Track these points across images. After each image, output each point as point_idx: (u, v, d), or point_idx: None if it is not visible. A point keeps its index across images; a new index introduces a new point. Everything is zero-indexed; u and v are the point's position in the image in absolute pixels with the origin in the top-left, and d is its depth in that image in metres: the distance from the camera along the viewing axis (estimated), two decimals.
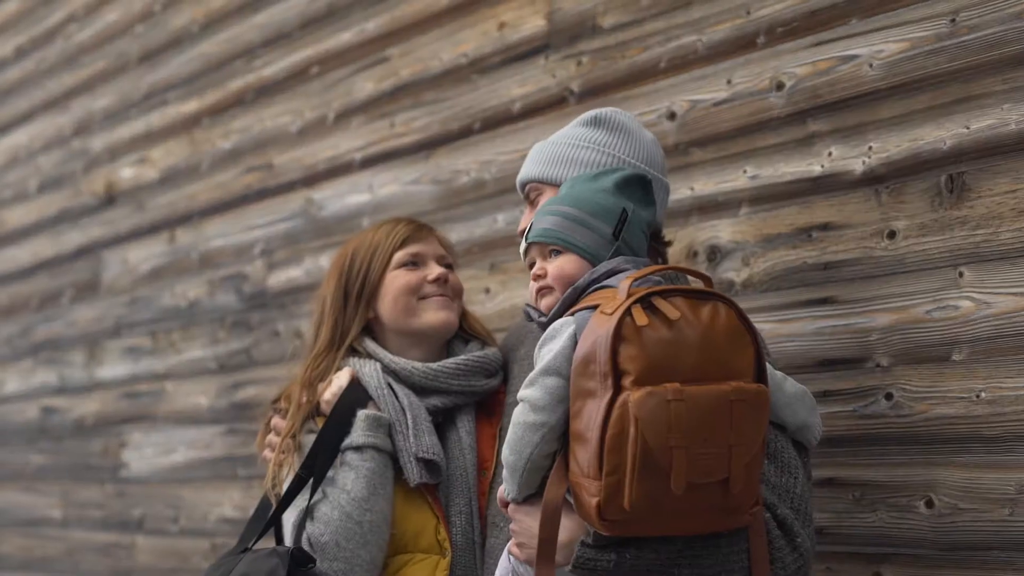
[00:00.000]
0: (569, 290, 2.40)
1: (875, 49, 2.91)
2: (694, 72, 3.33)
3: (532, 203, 2.79)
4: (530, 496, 2.38)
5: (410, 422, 2.82)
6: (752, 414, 2.17)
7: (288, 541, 2.80)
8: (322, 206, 4.54)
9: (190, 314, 5.16)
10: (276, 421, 2.97)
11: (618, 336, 2.15)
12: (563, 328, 2.31)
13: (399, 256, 2.98)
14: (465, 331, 3.05)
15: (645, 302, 2.19)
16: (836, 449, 2.87)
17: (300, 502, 2.79)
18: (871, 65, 2.91)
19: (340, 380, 2.89)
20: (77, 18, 6.20)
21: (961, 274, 2.71)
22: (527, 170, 2.79)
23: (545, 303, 2.47)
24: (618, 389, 2.15)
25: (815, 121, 3.02)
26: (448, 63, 4.08)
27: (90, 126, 6.00)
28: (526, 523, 2.39)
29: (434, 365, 2.91)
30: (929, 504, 2.73)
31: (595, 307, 2.28)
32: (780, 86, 3.10)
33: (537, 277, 2.48)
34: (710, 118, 3.27)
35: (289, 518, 2.82)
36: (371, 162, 4.34)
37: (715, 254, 3.21)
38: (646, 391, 2.11)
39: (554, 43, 3.73)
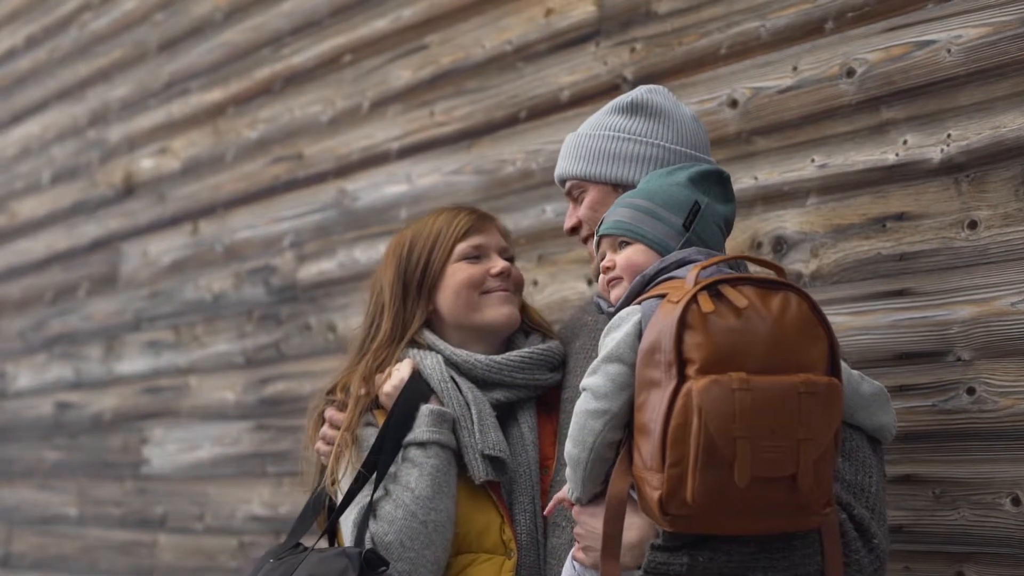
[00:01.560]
0: (636, 279, 2.35)
1: (953, 34, 2.83)
2: (757, 59, 3.25)
3: (576, 200, 2.73)
4: (594, 497, 2.32)
5: (475, 417, 2.73)
6: (822, 408, 2.10)
7: (347, 538, 2.71)
8: (356, 197, 4.44)
9: (215, 307, 5.06)
10: (332, 413, 2.87)
11: (683, 323, 2.09)
12: (628, 316, 2.26)
13: (461, 248, 2.88)
14: (525, 323, 2.96)
15: (712, 290, 2.13)
16: (914, 445, 2.79)
17: (359, 498, 2.70)
18: (949, 51, 2.83)
19: (401, 372, 2.79)
20: (92, 7, 6.09)
21: None
22: (566, 166, 2.72)
23: (615, 294, 2.42)
24: (682, 378, 2.09)
25: (889, 108, 2.94)
26: (491, 51, 4.00)
27: (107, 116, 5.89)
28: (591, 525, 2.32)
29: (498, 358, 2.82)
30: (1016, 502, 2.65)
31: (662, 296, 2.22)
32: (851, 72, 3.02)
33: (606, 269, 2.44)
34: (774, 105, 3.19)
35: (347, 515, 2.73)
36: (409, 152, 4.25)
37: (781, 245, 3.13)
38: (710, 379, 2.05)
39: (605, 29, 3.65)
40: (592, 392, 2.24)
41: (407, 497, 2.64)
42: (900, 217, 2.90)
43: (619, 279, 2.40)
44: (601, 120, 2.69)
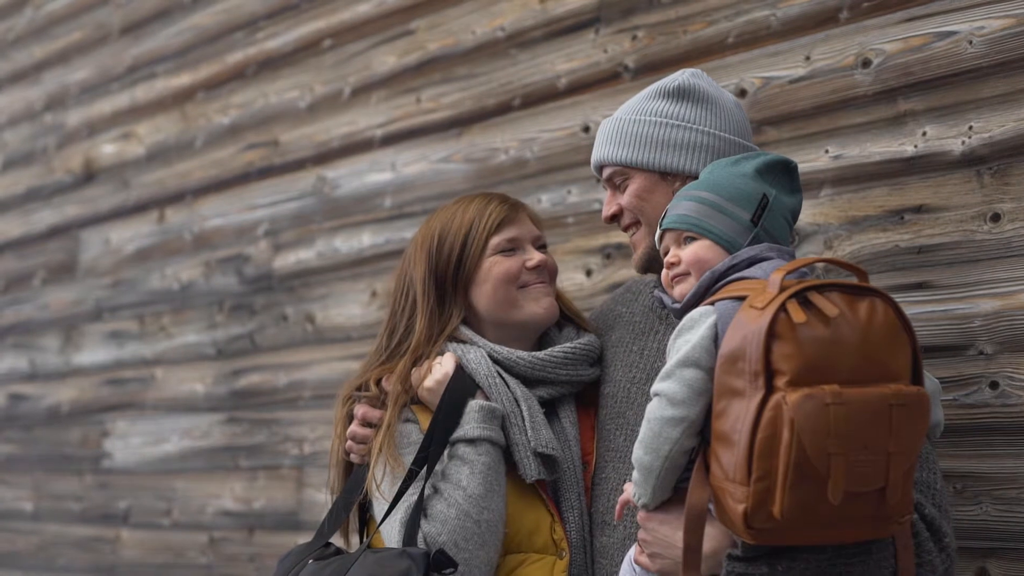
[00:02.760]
0: (706, 275, 2.27)
1: (975, 26, 2.80)
2: (767, 48, 3.20)
3: (618, 188, 2.65)
4: (663, 503, 2.25)
5: (526, 414, 2.64)
6: (912, 419, 2.06)
7: (392, 538, 2.59)
8: (337, 185, 4.34)
9: (183, 297, 4.93)
10: (365, 410, 2.74)
11: (772, 333, 2.02)
12: (702, 318, 2.18)
13: (495, 241, 2.77)
14: (561, 314, 2.87)
15: (800, 297, 2.06)
16: (935, 439, 2.76)
17: (406, 497, 2.59)
18: (971, 42, 2.80)
19: (445, 367, 2.68)
20: None
21: None
22: (607, 151, 2.63)
23: (679, 290, 2.34)
24: (770, 389, 2.02)
25: (907, 100, 2.91)
26: (482, 37, 3.92)
27: (64, 100, 5.73)
28: (661, 532, 2.26)
29: (540, 354, 2.73)
30: None
31: (739, 298, 2.15)
32: (866, 63, 2.99)
33: (671, 265, 2.35)
34: (785, 96, 3.15)
35: (392, 515, 2.60)
36: (394, 139, 4.16)
37: (793, 236, 3.09)
38: (803, 393, 1.98)
39: (605, 16, 3.59)
40: (668, 398, 2.16)
41: (459, 496, 2.54)
42: (919, 209, 2.87)
43: (685, 275, 2.32)
44: (644, 105, 2.62)
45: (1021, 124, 2.72)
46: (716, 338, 2.14)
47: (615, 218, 2.67)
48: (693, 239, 2.32)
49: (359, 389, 2.78)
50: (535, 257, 2.78)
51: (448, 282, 2.76)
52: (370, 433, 2.70)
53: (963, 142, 2.80)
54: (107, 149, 5.42)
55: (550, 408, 2.74)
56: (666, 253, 2.38)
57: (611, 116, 2.68)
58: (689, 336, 2.17)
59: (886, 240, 2.92)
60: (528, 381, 2.72)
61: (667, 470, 2.19)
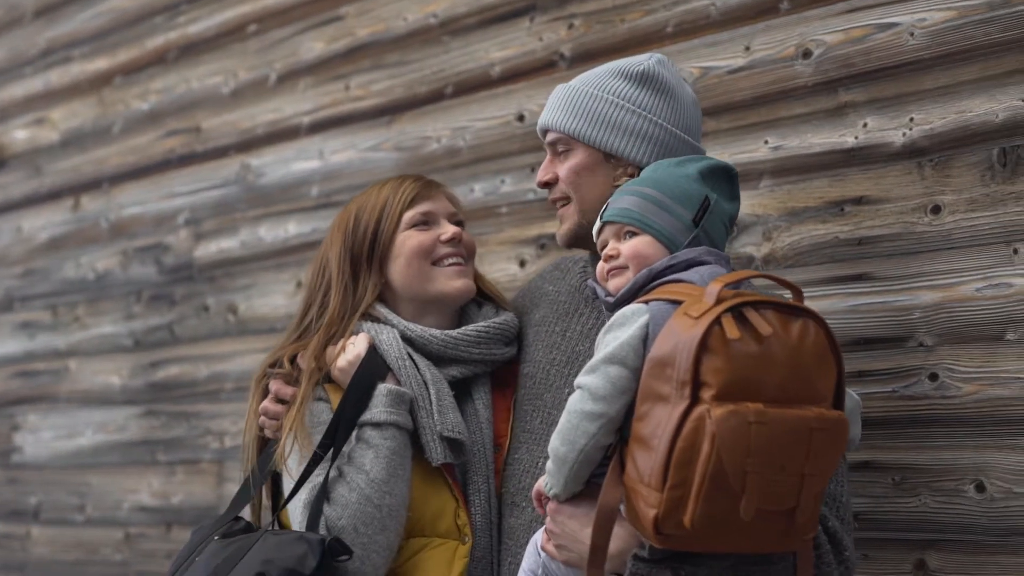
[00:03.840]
0: (643, 272, 2.26)
1: (917, 17, 2.80)
2: (706, 38, 3.18)
3: (558, 155, 2.62)
4: (574, 496, 2.25)
5: (433, 397, 2.63)
6: (830, 444, 2.08)
7: (296, 519, 2.58)
8: (261, 173, 4.25)
9: (99, 287, 4.81)
10: (278, 386, 2.72)
11: (704, 345, 2.02)
12: (634, 316, 2.17)
13: (409, 216, 2.77)
14: (478, 292, 2.86)
15: (736, 312, 2.05)
16: (873, 431, 2.75)
17: (312, 478, 2.57)
18: (912, 34, 2.80)
19: (357, 347, 2.67)
20: None
21: (1016, 251, 2.62)
22: (558, 118, 2.59)
23: (615, 283, 2.33)
24: (695, 400, 2.02)
25: (847, 91, 2.90)
26: (414, 23, 3.85)
27: None
28: (569, 526, 2.26)
29: (453, 333, 2.72)
30: (980, 488, 2.63)
31: (673, 302, 2.14)
32: (807, 54, 2.97)
33: (609, 258, 2.33)
34: (724, 86, 3.12)
35: (298, 495, 2.59)
36: (321, 127, 4.08)
37: (732, 228, 3.06)
38: (728, 409, 1.98)
39: (541, 4, 3.54)
40: (590, 392, 2.15)
41: (362, 480, 2.53)
42: (859, 201, 2.87)
43: (623, 269, 2.31)
44: (605, 81, 2.58)
45: (962, 116, 2.72)
46: (646, 339, 2.13)
47: (548, 185, 2.63)
48: (634, 234, 2.31)
49: (273, 366, 2.75)
50: (449, 230, 2.77)
51: (363, 258, 2.75)
52: (282, 409, 2.69)
53: (904, 134, 2.80)
54: (19, 135, 5.27)
55: (464, 388, 2.73)
56: (604, 246, 2.36)
57: (568, 83, 2.63)
58: (619, 333, 2.16)
59: (826, 232, 2.91)
60: (441, 359, 2.70)
61: (581, 463, 2.18)
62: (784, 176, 2.99)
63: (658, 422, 2.04)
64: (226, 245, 4.34)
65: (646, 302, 2.19)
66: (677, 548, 2.08)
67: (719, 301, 2.06)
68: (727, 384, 2.00)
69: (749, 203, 3.04)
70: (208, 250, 4.40)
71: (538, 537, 2.37)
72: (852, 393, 2.36)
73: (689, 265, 2.24)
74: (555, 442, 2.20)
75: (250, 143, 4.30)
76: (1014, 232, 2.63)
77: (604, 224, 2.37)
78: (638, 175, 2.46)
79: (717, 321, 2.02)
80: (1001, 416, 2.62)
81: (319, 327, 2.74)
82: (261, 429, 2.74)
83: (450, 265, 2.76)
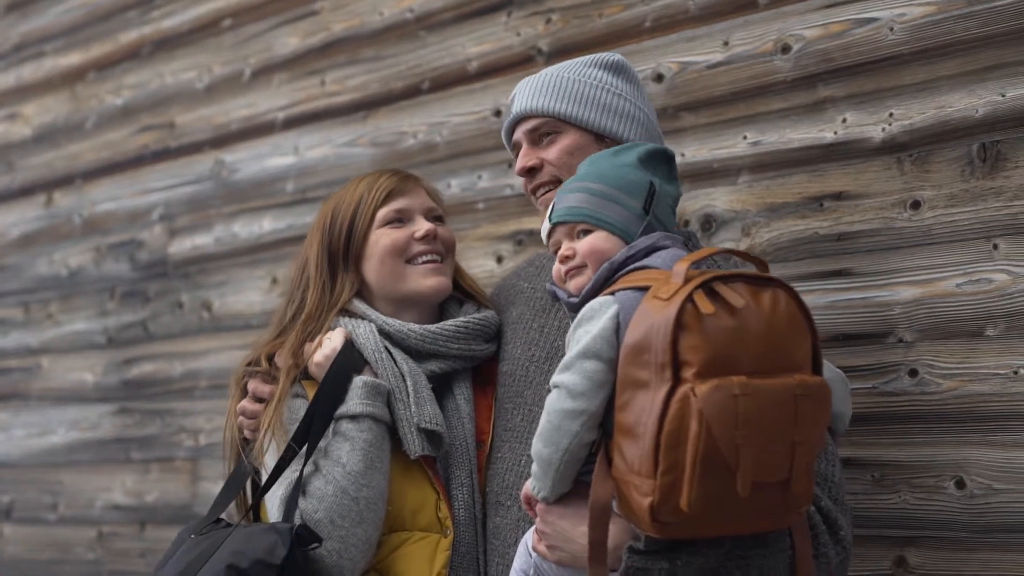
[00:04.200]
0: (604, 266, 2.23)
1: (896, 12, 2.79)
2: (684, 32, 3.16)
3: (536, 142, 2.57)
4: (562, 496, 2.22)
5: (410, 389, 2.60)
6: (815, 409, 2.05)
7: (273, 515, 2.56)
8: (236, 169, 4.22)
9: (71, 283, 4.76)
10: (256, 385, 2.70)
11: (679, 324, 1.99)
12: (603, 308, 2.14)
13: (383, 213, 2.73)
14: (459, 289, 2.83)
15: (706, 287, 2.03)
16: (853, 428, 2.71)
17: (287, 474, 2.55)
18: (892, 29, 2.79)
19: (333, 342, 2.64)
20: None
21: (996, 246, 2.61)
22: (541, 102, 2.55)
23: (575, 284, 2.29)
24: (677, 381, 1.99)
25: (827, 86, 2.89)
26: (390, 18, 3.83)
27: None
28: (560, 526, 2.23)
29: (432, 327, 2.69)
30: (960, 484, 2.63)
31: (641, 288, 2.12)
32: (786, 49, 2.96)
33: (565, 259, 2.30)
34: (703, 81, 3.11)
35: (274, 491, 2.56)
36: (296, 122, 4.05)
37: (710, 223, 3.05)
38: (712, 384, 1.95)
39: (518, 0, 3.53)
40: (568, 390, 2.12)
41: (338, 472, 2.50)
42: (838, 196, 2.85)
43: (581, 268, 2.27)
44: (582, 70, 2.56)
45: (942, 111, 2.71)
46: (618, 329, 2.10)
47: (532, 171, 2.58)
48: (587, 231, 2.28)
49: (251, 365, 2.73)
50: (423, 227, 2.73)
51: (339, 257, 2.73)
52: (260, 408, 2.66)
53: (883, 129, 2.79)
54: None
55: (444, 384, 2.71)
56: (557, 247, 2.33)
57: (539, 75, 2.60)
58: (589, 327, 2.13)
59: (805, 227, 2.89)
60: (419, 355, 2.67)
61: (567, 463, 2.16)
62: (763, 172, 2.98)
63: (641, 409, 2.01)
64: (200, 241, 4.30)
65: (612, 293, 2.16)
66: (675, 536, 2.04)
67: (687, 280, 2.03)
68: (707, 360, 1.97)
69: (727, 199, 3.03)
70: (182, 246, 4.36)
71: (529, 538, 2.34)
72: (834, 367, 2.35)
73: (648, 252, 2.21)
74: (538, 444, 2.18)
75: (224, 139, 4.26)
76: (994, 228, 2.62)
77: (554, 226, 2.32)
78: None
79: (689, 299, 2.00)
80: (981, 412, 2.61)
81: (296, 324, 2.71)
82: (241, 430, 2.71)
83: (424, 263, 2.73)
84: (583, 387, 2.11)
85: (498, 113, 3.51)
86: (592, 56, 2.60)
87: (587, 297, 2.22)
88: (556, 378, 2.15)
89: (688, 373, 1.97)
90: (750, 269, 2.16)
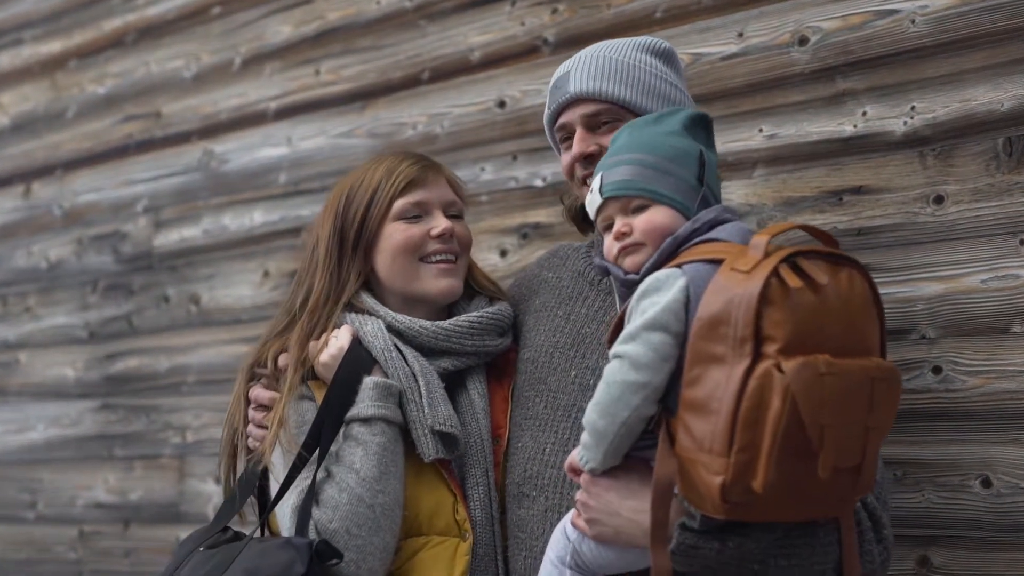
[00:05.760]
0: (668, 241, 2.14)
1: (918, 4, 2.75)
2: (697, 24, 3.11)
3: (599, 126, 2.47)
4: (610, 469, 2.14)
5: (423, 390, 2.51)
6: (890, 395, 2.01)
7: (285, 525, 2.45)
8: (225, 159, 4.13)
9: (51, 276, 4.65)
10: (258, 393, 2.60)
11: (764, 298, 1.91)
12: (670, 280, 2.05)
13: (399, 205, 2.62)
14: (470, 286, 2.74)
15: (789, 262, 1.96)
16: None
17: (298, 481, 2.45)
18: (913, 21, 2.75)
19: (340, 340, 2.54)
20: None
21: (1022, 242, 2.58)
22: (607, 86, 2.45)
23: (632, 261, 2.20)
24: (757, 356, 1.91)
25: (846, 79, 2.84)
26: (387, 7, 3.75)
27: None
28: (606, 498, 2.14)
29: (445, 324, 2.60)
30: (986, 483, 2.59)
31: (710, 261, 2.04)
32: (803, 41, 2.91)
33: (621, 235, 2.20)
34: (717, 73, 3.06)
35: (285, 500, 2.46)
36: (289, 112, 3.97)
37: None
38: (800, 361, 1.88)
39: None
40: (632, 362, 2.03)
41: (352, 479, 2.40)
42: (858, 191, 2.81)
43: (639, 245, 2.18)
44: (637, 55, 2.48)
45: (966, 105, 2.67)
46: (687, 302, 2.02)
47: (589, 158, 2.46)
48: (643, 206, 2.19)
49: (257, 364, 2.63)
50: (440, 225, 2.63)
51: (350, 242, 2.61)
52: (264, 417, 2.56)
53: (905, 122, 2.75)
54: None
55: (457, 379, 2.62)
56: (608, 223, 2.23)
57: (590, 52, 2.51)
58: (657, 298, 2.04)
59: (824, 221, 2.84)
60: (432, 352, 2.58)
61: (622, 436, 2.08)
62: (779, 165, 2.93)
63: (715, 384, 1.93)
64: (188, 233, 4.21)
65: (678, 266, 2.07)
66: (741, 517, 1.97)
67: (766, 254, 1.96)
68: (792, 336, 1.90)
69: (743, 192, 2.98)
70: (169, 239, 4.26)
71: (565, 523, 2.25)
72: None
73: (712, 225, 2.14)
74: (592, 415, 2.09)
75: (213, 129, 4.17)
76: (1020, 223, 2.59)
77: (606, 200, 2.22)
78: None
79: (775, 272, 1.93)
80: (1008, 410, 2.57)
81: (303, 314, 2.61)
82: (242, 434, 2.62)
83: (437, 262, 2.63)
84: (648, 359, 2.02)
85: (502, 104, 3.45)
86: (639, 39, 2.52)
87: (649, 272, 2.13)
88: (619, 348, 2.06)
89: (771, 349, 1.90)
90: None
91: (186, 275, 4.20)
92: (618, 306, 2.22)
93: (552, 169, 3.29)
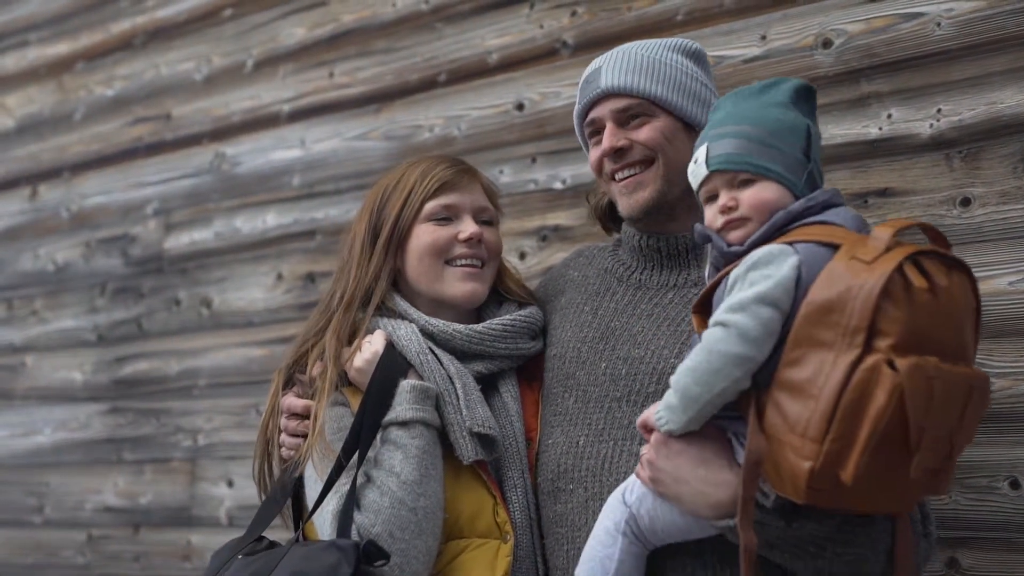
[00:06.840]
0: (780, 214, 2.10)
1: (944, 8, 2.76)
2: (719, 27, 3.12)
3: (628, 121, 2.45)
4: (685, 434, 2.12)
5: (460, 392, 2.50)
6: (981, 404, 2.02)
7: (325, 531, 2.42)
8: (237, 162, 4.11)
9: (59, 279, 4.62)
10: (291, 401, 2.58)
11: (885, 292, 1.90)
12: (782, 255, 2.01)
13: (430, 207, 2.62)
14: (499, 292, 2.73)
15: (912, 260, 1.95)
16: None
17: (337, 487, 2.41)
18: (939, 24, 2.76)
19: (374, 345, 2.53)
20: None
21: None
22: (639, 82, 2.44)
23: (737, 236, 2.14)
24: (867, 349, 1.90)
25: (870, 82, 2.85)
26: (403, 9, 3.75)
27: None
28: (675, 463, 2.12)
29: (478, 327, 2.59)
30: (1015, 485, 2.60)
31: (825, 244, 2.01)
32: (827, 44, 2.92)
33: (728, 209, 2.14)
34: (740, 75, 3.06)
35: (324, 506, 2.44)
36: (303, 115, 3.96)
37: None
38: (914, 361, 1.88)
39: None
40: (740, 333, 1.99)
41: (393, 483, 2.38)
42: (883, 193, 2.82)
43: (744, 220, 2.13)
44: (668, 55, 2.48)
45: (993, 108, 2.68)
46: (799, 280, 1.99)
47: (619, 152, 2.46)
48: (749, 180, 2.14)
49: (296, 365, 2.62)
50: (468, 229, 2.62)
51: (382, 240, 2.61)
52: (298, 425, 2.55)
53: (931, 125, 2.76)
54: None
55: (490, 382, 2.61)
56: (711, 195, 2.18)
57: (622, 49, 2.51)
58: (768, 271, 2.00)
59: None
60: (465, 355, 2.58)
61: (713, 406, 2.05)
62: None
63: (818, 369, 1.92)
64: (199, 236, 4.19)
65: (790, 243, 2.04)
66: (820, 503, 1.97)
67: (889, 248, 1.95)
68: (906, 334, 1.90)
69: None
70: (179, 241, 4.25)
71: (625, 488, 2.23)
72: None
73: (825, 207, 2.10)
74: (686, 379, 2.05)
75: (225, 131, 4.16)
76: None
77: (711, 173, 2.17)
78: None
79: (899, 269, 1.92)
80: None
81: (339, 311, 2.60)
82: (276, 444, 2.61)
83: (462, 266, 2.62)
84: (757, 333, 1.99)
85: (520, 107, 3.44)
86: (670, 40, 2.53)
87: (757, 243, 2.09)
88: (725, 316, 2.01)
89: (883, 343, 1.90)
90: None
91: (197, 278, 4.18)
92: (706, 278, 2.19)
93: (571, 171, 3.29)
